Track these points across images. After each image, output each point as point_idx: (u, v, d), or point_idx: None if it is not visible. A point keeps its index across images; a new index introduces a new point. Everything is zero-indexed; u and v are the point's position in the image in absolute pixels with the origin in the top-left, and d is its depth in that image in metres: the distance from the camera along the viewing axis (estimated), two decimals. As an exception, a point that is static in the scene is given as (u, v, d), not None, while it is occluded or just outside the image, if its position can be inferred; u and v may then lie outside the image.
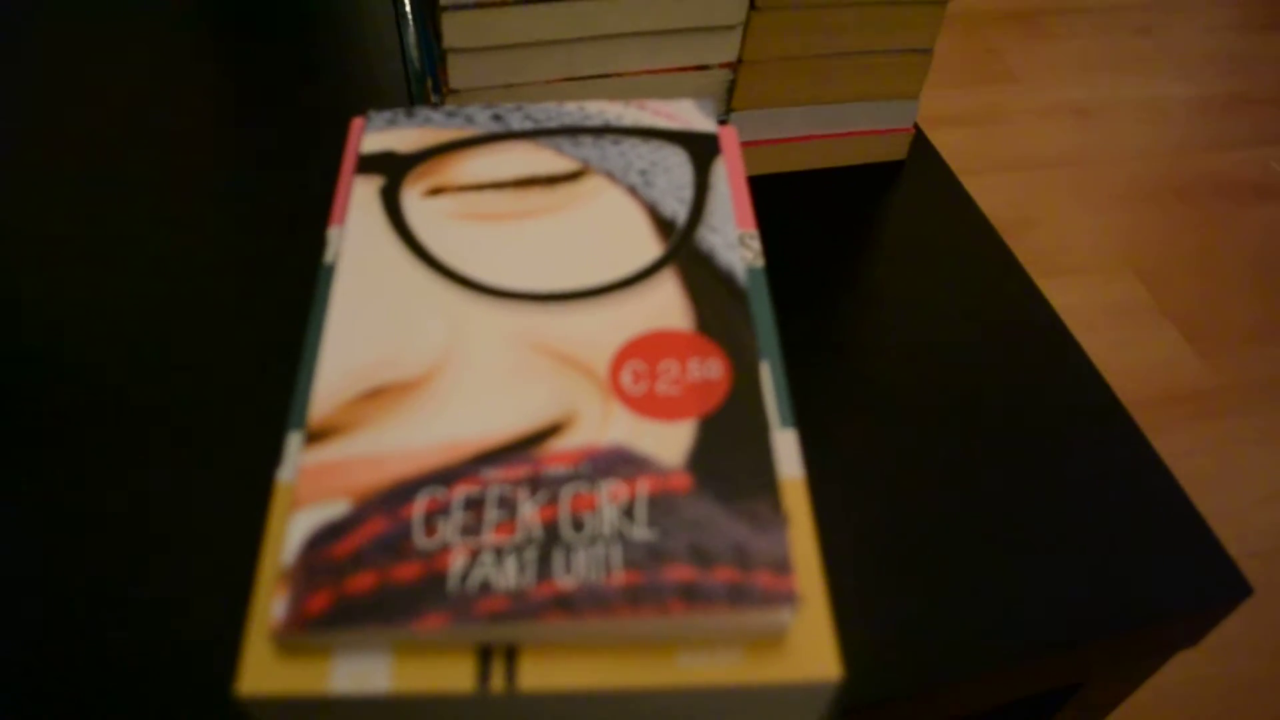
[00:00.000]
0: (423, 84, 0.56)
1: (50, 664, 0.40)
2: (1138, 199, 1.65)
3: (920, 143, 0.65)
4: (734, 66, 0.56)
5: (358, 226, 0.35)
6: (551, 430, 0.30)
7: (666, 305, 0.33)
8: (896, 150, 0.64)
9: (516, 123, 0.38)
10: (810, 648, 0.27)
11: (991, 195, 1.63)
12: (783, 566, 0.27)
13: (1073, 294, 1.49)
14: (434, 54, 0.52)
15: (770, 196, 0.61)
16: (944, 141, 1.72)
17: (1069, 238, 1.57)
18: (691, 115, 0.39)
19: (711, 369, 0.31)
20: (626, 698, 0.26)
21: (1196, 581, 0.46)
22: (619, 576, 0.27)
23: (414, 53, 0.58)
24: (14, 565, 0.43)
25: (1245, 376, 1.41)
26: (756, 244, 0.35)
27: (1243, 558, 1.21)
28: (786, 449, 0.30)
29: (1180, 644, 0.49)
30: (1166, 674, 1.10)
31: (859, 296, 0.56)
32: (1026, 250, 1.54)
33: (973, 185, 1.64)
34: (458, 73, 0.51)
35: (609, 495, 0.28)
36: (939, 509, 0.47)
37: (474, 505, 0.28)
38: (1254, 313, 1.49)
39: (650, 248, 0.34)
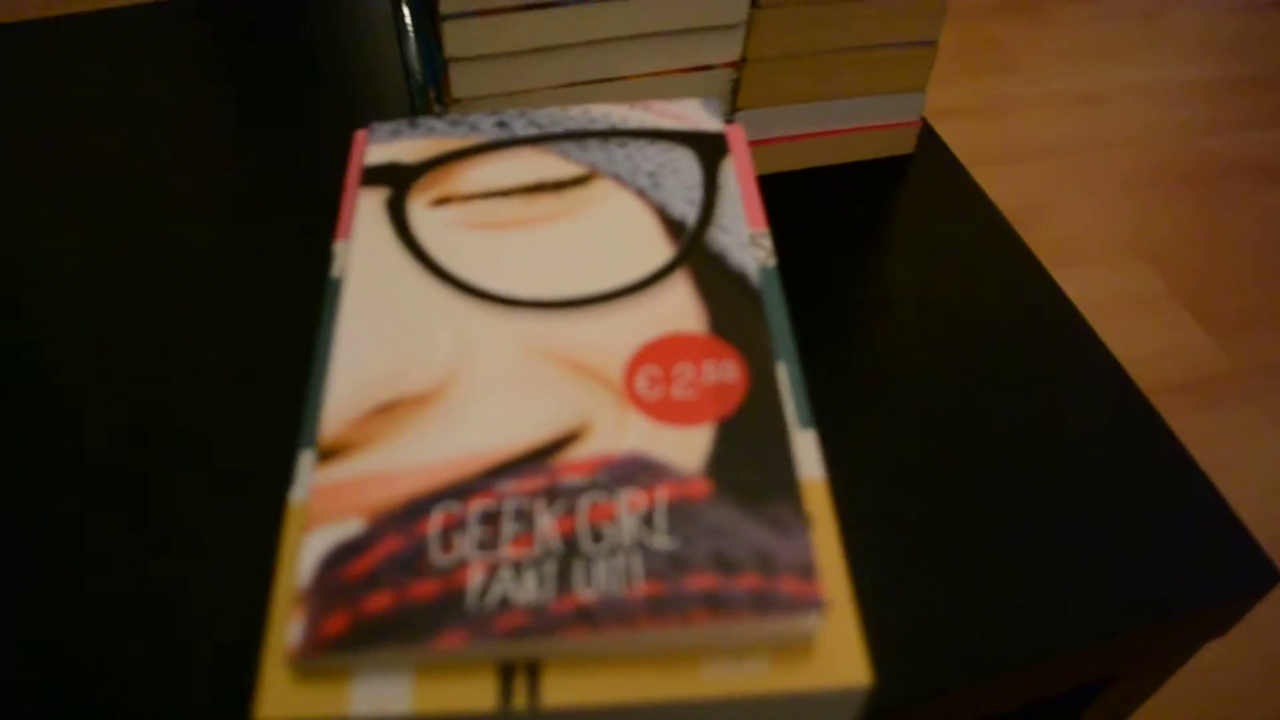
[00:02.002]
0: (425, 95, 0.55)
1: (66, 693, 0.39)
2: (1146, 185, 1.64)
3: (928, 136, 0.65)
4: (738, 65, 0.55)
5: (364, 239, 0.34)
6: (567, 439, 0.29)
7: (679, 308, 0.32)
8: (904, 144, 0.63)
9: (521, 129, 0.38)
10: (838, 653, 0.26)
11: (998, 186, 1.62)
12: (807, 571, 0.26)
13: (1084, 283, 1.48)
14: (436, 64, 0.52)
15: (779, 195, 0.60)
16: (948, 134, 1.71)
17: (1078, 227, 1.56)
18: (698, 115, 0.38)
19: (727, 371, 0.31)
20: (652, 710, 0.26)
21: (1225, 570, 0.45)
22: (640, 587, 0.26)
23: (416, 64, 0.58)
24: (27, 589, 0.42)
25: (1262, 360, 1.40)
26: (768, 243, 0.35)
27: (1265, 543, 1.20)
28: (806, 450, 0.30)
29: (1210, 634, 0.48)
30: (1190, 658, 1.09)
31: (873, 293, 0.55)
32: (1036, 240, 1.54)
33: (979, 177, 1.64)
34: (460, 82, 0.50)
35: (628, 504, 0.28)
36: (962, 505, 0.47)
37: (490, 519, 0.28)
38: (1268, 295, 1.48)
39: (661, 250, 0.34)
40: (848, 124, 0.60)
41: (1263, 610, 1.14)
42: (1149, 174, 1.66)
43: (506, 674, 0.26)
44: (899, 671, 0.42)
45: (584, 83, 0.52)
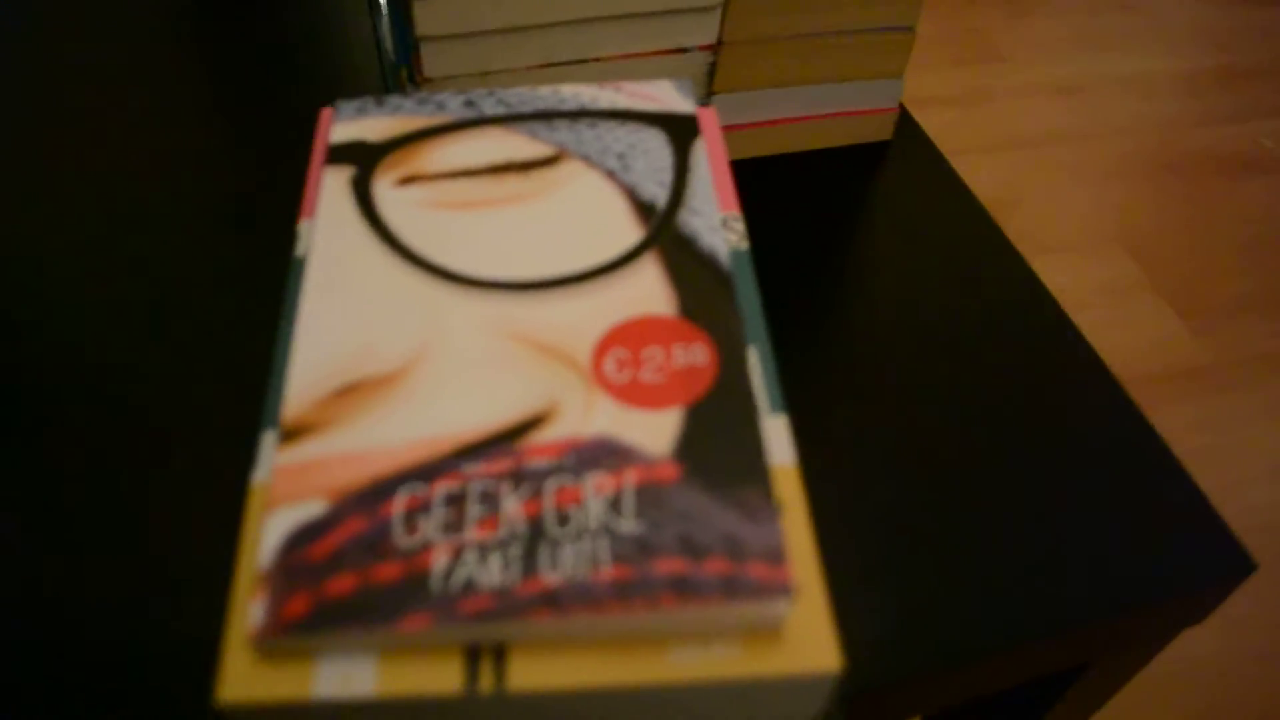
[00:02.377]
0: (397, 74, 0.55)
1: (27, 674, 0.39)
2: (1127, 176, 1.64)
3: (906, 122, 0.65)
4: (714, 49, 0.55)
5: (328, 219, 0.34)
6: (533, 422, 0.29)
7: (648, 291, 0.32)
8: (882, 130, 0.63)
9: (489, 108, 0.37)
10: (809, 639, 0.26)
11: (979, 175, 1.62)
12: (776, 556, 0.26)
13: (1064, 273, 1.49)
14: (408, 43, 0.51)
15: (754, 181, 0.60)
16: (930, 122, 1.71)
17: (1059, 216, 1.57)
18: (670, 96, 0.38)
19: (696, 354, 0.30)
20: (620, 695, 0.26)
21: (1199, 559, 0.45)
22: (607, 571, 0.26)
23: (388, 42, 0.57)
24: (-7, 578, 0.42)
25: (1239, 352, 1.41)
26: (740, 226, 0.34)
27: (1243, 533, 1.20)
28: (777, 435, 0.29)
29: (1185, 622, 0.48)
30: (1171, 650, 1.09)
31: (849, 281, 0.55)
32: (1016, 230, 1.54)
33: (960, 166, 1.64)
34: (432, 61, 0.50)
35: (594, 487, 0.27)
36: (936, 493, 0.47)
37: (455, 501, 0.27)
38: (1247, 287, 1.49)
39: (630, 232, 0.34)
40: (825, 109, 0.60)
41: (1258, 607, 1.14)
42: (1130, 165, 1.66)
43: (472, 657, 0.25)
44: (871, 657, 0.42)
45: (558, 64, 0.52)
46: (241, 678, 0.25)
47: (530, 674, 0.25)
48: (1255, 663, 1.09)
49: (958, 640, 0.42)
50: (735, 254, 0.33)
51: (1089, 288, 1.47)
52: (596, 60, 0.52)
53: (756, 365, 0.31)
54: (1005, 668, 0.45)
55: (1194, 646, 1.10)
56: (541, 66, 0.52)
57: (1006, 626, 0.43)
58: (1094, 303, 1.45)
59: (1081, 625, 0.43)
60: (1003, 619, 0.43)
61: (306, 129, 0.61)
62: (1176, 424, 1.31)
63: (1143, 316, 1.44)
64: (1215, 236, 1.55)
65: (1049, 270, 1.48)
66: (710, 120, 0.38)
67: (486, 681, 0.25)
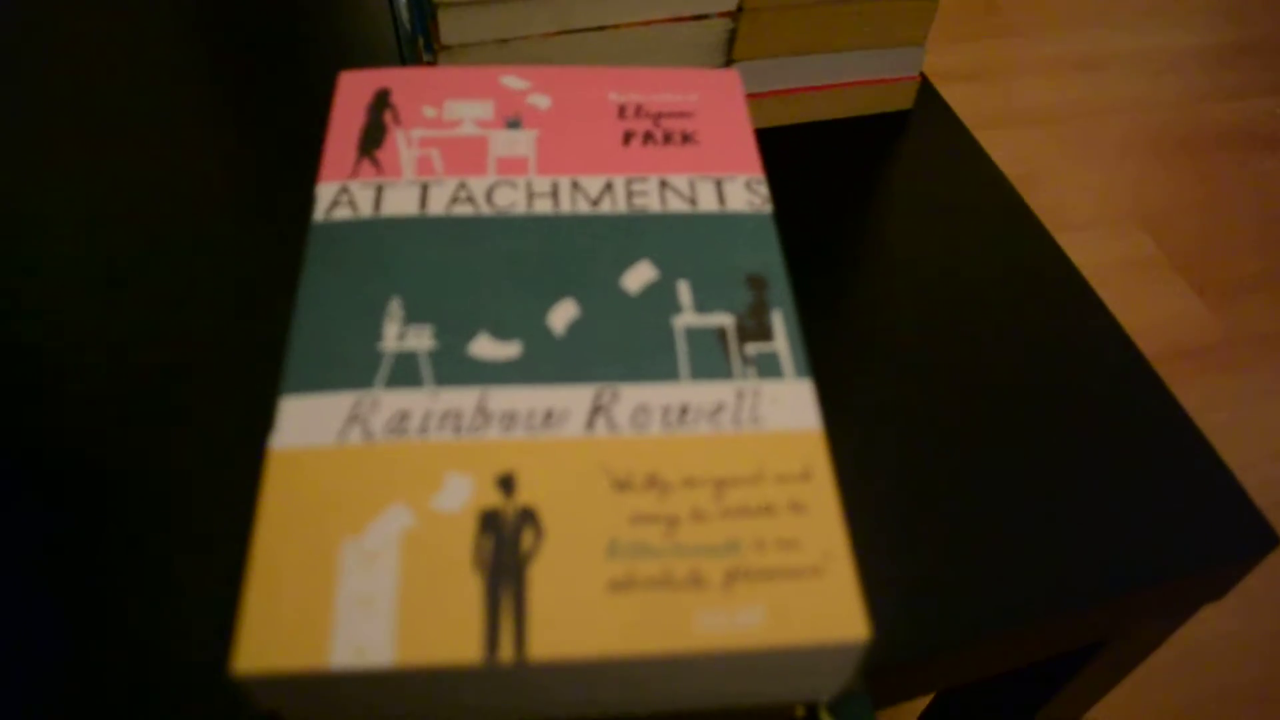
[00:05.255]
0: (413, 43, 0.54)
1: (38, 643, 0.39)
2: (1142, 152, 1.63)
3: (928, 93, 0.64)
4: (733, 15, 0.54)
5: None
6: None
7: None
8: (903, 99, 0.62)
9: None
10: (836, 608, 0.25)
11: (995, 151, 1.61)
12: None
13: (1080, 249, 1.48)
14: (424, 11, 0.50)
15: (775, 150, 0.59)
16: (946, 97, 1.70)
17: (1074, 192, 1.56)
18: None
19: None
20: (644, 665, 0.25)
21: (1222, 532, 0.45)
22: None
23: (404, 12, 0.56)
24: None
25: (1256, 329, 1.40)
26: (764, 189, 0.34)
27: (1261, 511, 1.20)
28: (803, 399, 0.29)
29: (1207, 596, 0.48)
30: (1192, 630, 1.09)
31: (872, 250, 0.54)
32: (1033, 205, 1.53)
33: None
34: (449, 27, 0.49)
35: None
36: (959, 465, 0.46)
37: None
38: (1264, 264, 1.47)
39: None
40: (846, 78, 0.59)
41: (1275, 585, 1.14)
42: (1146, 141, 1.65)
43: (492, 622, 0.25)
44: (893, 631, 0.41)
45: (575, 30, 0.51)
46: (257, 648, 0.25)
47: (551, 643, 0.25)
48: (1272, 641, 1.09)
49: (978, 614, 0.42)
50: (759, 217, 0.33)
51: (1104, 263, 1.46)
52: (615, 27, 0.52)
53: (782, 330, 0.30)
54: (1026, 643, 0.44)
55: (1210, 625, 1.10)
56: (558, 34, 0.51)
57: (1027, 601, 0.42)
58: (1110, 279, 1.44)
59: (1102, 601, 0.43)
60: (1024, 594, 0.42)
61: (320, 97, 0.60)
62: (1193, 400, 1.30)
63: (1159, 293, 1.43)
64: (1231, 212, 1.54)
65: (1066, 245, 1.47)
66: (734, 82, 0.37)
67: (506, 651, 0.24)
